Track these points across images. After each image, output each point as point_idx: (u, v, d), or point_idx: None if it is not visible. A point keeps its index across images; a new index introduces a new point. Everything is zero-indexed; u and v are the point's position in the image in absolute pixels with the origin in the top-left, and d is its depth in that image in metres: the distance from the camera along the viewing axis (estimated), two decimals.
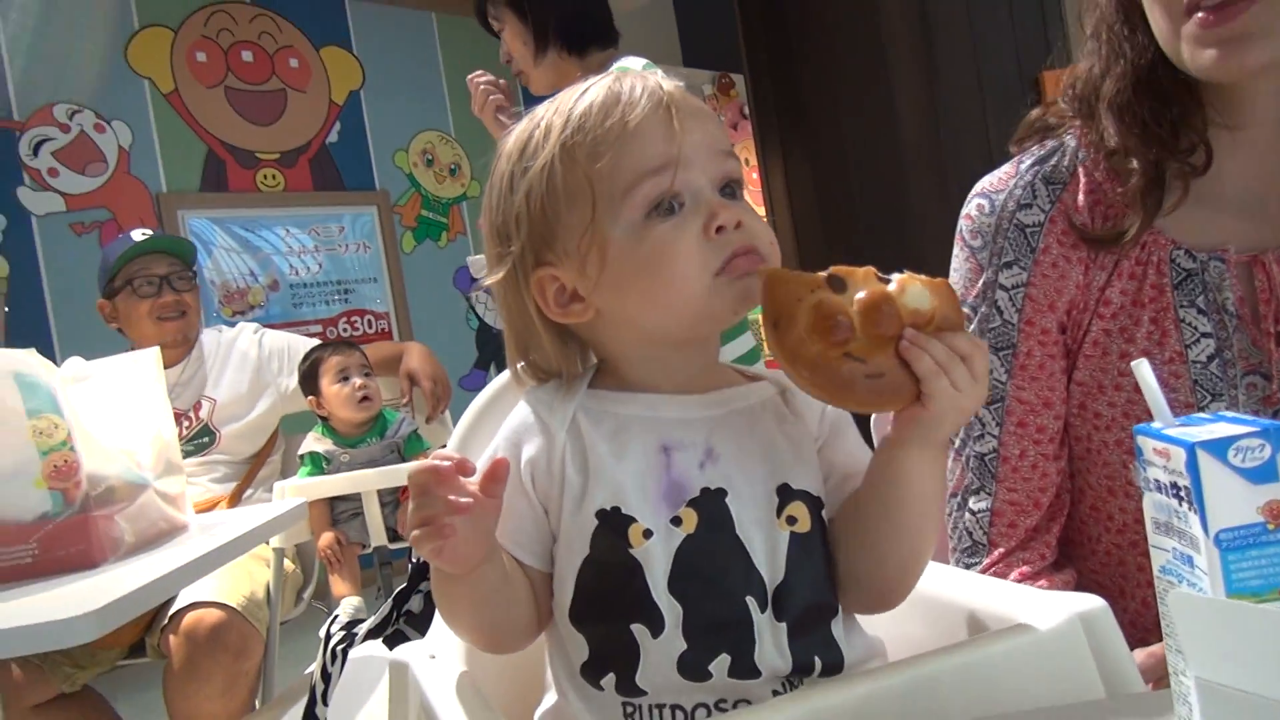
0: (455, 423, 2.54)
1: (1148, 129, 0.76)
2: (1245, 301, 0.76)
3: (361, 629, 1.37)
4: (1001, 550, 0.84)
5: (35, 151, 3.59)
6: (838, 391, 0.57)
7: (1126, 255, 0.79)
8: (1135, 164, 0.77)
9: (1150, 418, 0.47)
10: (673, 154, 0.60)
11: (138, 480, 1.42)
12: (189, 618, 1.84)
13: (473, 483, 0.58)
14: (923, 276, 0.59)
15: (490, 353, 4.92)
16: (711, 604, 0.61)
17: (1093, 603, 0.62)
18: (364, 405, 2.09)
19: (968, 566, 0.85)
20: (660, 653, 0.60)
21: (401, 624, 1.35)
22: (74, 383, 1.45)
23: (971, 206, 0.87)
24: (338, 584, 2.22)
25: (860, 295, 0.57)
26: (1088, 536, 0.86)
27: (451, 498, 0.55)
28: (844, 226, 4.68)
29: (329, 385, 2.09)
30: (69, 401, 1.35)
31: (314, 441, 2.13)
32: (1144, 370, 0.47)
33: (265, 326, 2.47)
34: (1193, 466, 0.41)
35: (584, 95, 0.64)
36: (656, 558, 0.61)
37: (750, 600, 0.61)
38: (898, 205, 4.20)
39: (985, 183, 0.87)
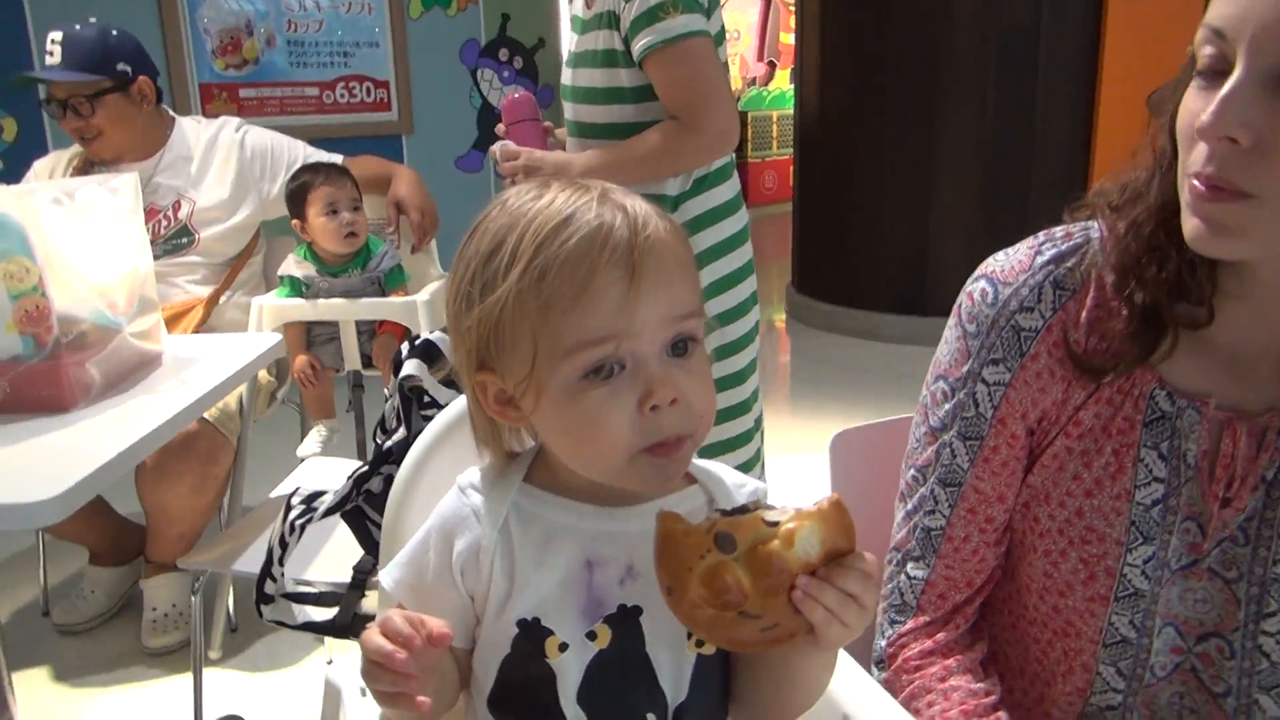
0: (439, 253, 2.49)
1: (1156, 257, 0.73)
2: (1207, 455, 0.76)
3: (321, 505, 1.42)
4: (926, 619, 0.87)
5: None
6: (735, 645, 0.61)
7: (1110, 382, 0.78)
8: (1136, 299, 0.74)
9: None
10: (620, 327, 0.59)
11: (111, 324, 1.42)
12: None
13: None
14: (810, 508, 0.58)
15: (490, 135, 4.77)
16: (615, 718, 0.65)
17: None
18: (349, 241, 2.05)
19: (893, 623, 0.89)
20: None
21: (361, 502, 1.40)
22: (51, 205, 1.41)
23: (976, 289, 0.84)
24: (311, 406, 2.27)
25: (750, 546, 0.58)
26: (1008, 611, 0.90)
27: (402, 673, 0.56)
28: (873, 64, 4.50)
29: (315, 216, 2.03)
30: (43, 239, 1.32)
31: (294, 265, 2.10)
32: None
33: (249, 123, 2.35)
34: None
35: (561, 231, 0.59)
36: (570, 670, 0.64)
37: (651, 717, 0.65)
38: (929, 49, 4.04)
39: (996, 267, 0.84)
